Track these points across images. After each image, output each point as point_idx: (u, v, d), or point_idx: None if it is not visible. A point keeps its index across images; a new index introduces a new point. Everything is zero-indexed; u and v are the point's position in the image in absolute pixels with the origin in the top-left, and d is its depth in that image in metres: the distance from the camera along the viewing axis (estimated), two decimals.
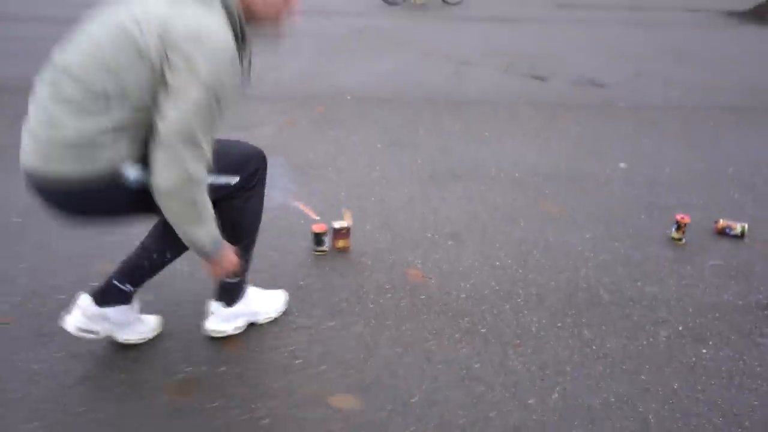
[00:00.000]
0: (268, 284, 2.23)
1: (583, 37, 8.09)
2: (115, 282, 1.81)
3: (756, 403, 1.79)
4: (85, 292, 1.81)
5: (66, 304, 1.99)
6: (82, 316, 1.78)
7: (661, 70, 6.17)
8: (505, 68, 5.90)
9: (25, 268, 2.34)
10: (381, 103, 4.62)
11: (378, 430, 1.64)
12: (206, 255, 1.59)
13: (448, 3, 10.56)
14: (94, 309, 1.79)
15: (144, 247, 1.82)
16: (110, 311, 1.81)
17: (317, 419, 1.67)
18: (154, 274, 1.85)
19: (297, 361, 1.90)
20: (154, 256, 1.81)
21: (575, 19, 9.82)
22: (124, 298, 1.84)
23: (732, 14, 10.58)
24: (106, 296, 1.81)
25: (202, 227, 1.52)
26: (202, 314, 2.02)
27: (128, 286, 1.82)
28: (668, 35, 8.49)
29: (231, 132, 3.50)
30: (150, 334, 1.95)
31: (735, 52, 7.45)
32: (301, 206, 2.78)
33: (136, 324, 1.92)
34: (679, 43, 7.85)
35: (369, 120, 4.24)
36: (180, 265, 2.01)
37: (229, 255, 1.66)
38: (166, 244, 1.78)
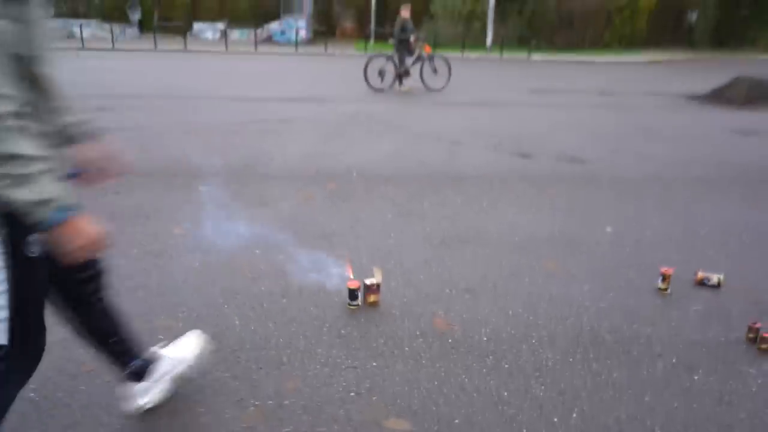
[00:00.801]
0: (312, 335, 2.55)
1: (559, 118, 8.78)
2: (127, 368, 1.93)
3: (743, 416, 2.13)
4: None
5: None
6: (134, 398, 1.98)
7: (634, 147, 6.77)
8: (493, 147, 6.44)
9: None
10: (385, 180, 5.07)
11: None
12: (44, 225, 1.32)
13: (430, 89, 11.31)
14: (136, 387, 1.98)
15: (97, 339, 1.86)
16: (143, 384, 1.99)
17: None
18: (127, 344, 1.92)
19: (350, 394, 2.20)
20: (112, 339, 1.87)
21: (549, 103, 10.60)
22: (141, 371, 1.97)
23: (692, 98, 11.50)
24: (132, 377, 1.96)
25: (23, 186, 1.26)
26: (261, 359, 2.32)
27: (131, 362, 1.93)
28: (637, 117, 9.24)
29: (255, 208, 3.91)
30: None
31: (699, 130, 8.16)
32: (349, 268, 3.11)
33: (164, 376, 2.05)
34: (648, 123, 8.57)
35: (377, 194, 4.66)
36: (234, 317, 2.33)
37: (82, 225, 1.38)
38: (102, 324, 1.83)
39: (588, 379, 2.33)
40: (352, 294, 2.84)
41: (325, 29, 28.28)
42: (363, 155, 5.92)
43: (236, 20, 31.11)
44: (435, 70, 11.41)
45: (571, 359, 2.46)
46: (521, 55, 23.76)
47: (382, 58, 11.38)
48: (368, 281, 2.88)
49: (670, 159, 6.23)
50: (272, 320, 2.71)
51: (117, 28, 25.66)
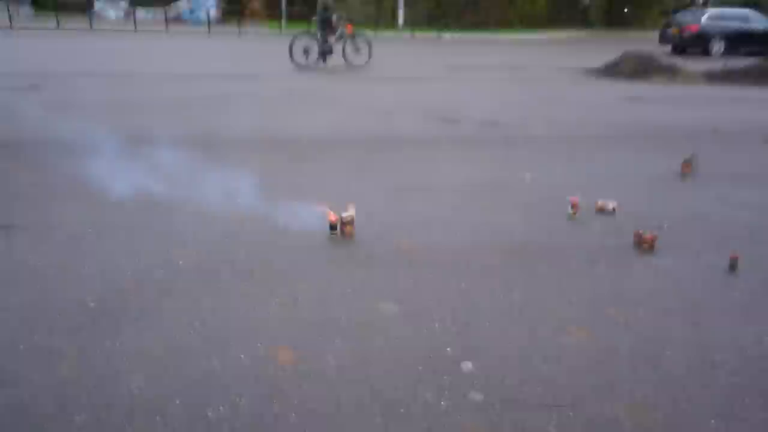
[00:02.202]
0: (308, 257, 3.20)
1: (475, 90, 9.69)
2: None
3: (631, 286, 2.99)
4: None
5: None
6: None
7: (542, 113, 7.74)
8: (422, 116, 7.20)
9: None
10: (334, 144, 5.71)
11: None
12: None
13: (352, 66, 11.92)
14: None
15: None
16: None
17: None
18: None
19: (348, 290, 2.87)
20: None
21: (465, 78, 11.51)
22: None
23: (589, 71, 12.79)
24: None
25: None
26: (271, 273, 2.94)
27: None
28: (543, 88, 10.31)
29: (223, 169, 4.43)
30: None
31: (595, 98, 9.30)
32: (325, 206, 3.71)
33: None
34: (553, 93, 9.64)
35: (330, 156, 5.29)
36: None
37: None
38: None
39: (521, 275, 3.12)
40: (332, 226, 3.50)
41: (236, 9, 28.02)
42: (308, 125, 6.50)
43: None
44: (357, 49, 12.02)
45: (508, 263, 3.25)
46: (432, 34, 24.72)
47: (306, 36, 11.86)
48: (344, 215, 3.54)
49: (573, 122, 7.24)
50: (272, 249, 3.32)
51: (6, 5, 24.28)
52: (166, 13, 24.97)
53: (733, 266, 3.24)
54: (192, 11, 28.78)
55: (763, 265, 3.32)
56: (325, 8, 11.64)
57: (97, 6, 28.39)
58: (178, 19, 27.94)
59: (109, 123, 6.15)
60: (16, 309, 2.62)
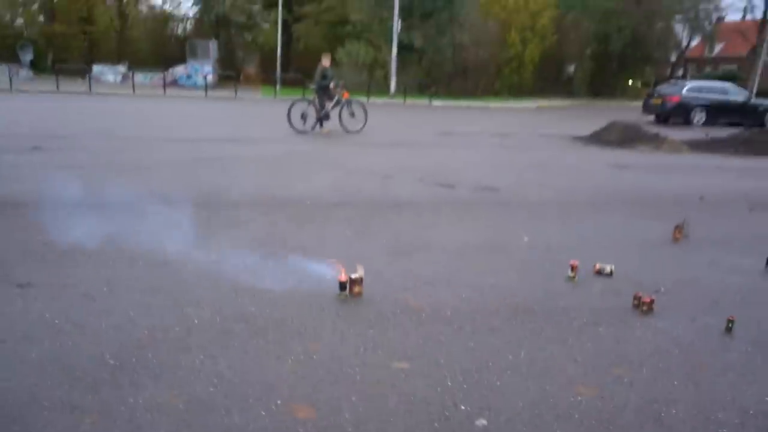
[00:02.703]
0: (318, 315, 3.29)
1: (468, 156, 9.98)
2: None
3: (632, 348, 3.09)
4: None
5: None
6: None
7: (534, 178, 7.99)
8: (419, 180, 7.41)
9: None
10: (335, 206, 5.86)
11: None
12: None
13: (348, 132, 12.24)
14: None
15: None
16: None
17: None
18: None
19: (360, 349, 2.95)
20: None
21: (457, 144, 11.85)
22: None
23: (576, 138, 13.22)
24: None
25: None
26: (284, 331, 3.03)
27: None
28: (533, 154, 10.64)
29: (229, 229, 4.54)
30: None
31: (584, 165, 9.61)
32: (337, 266, 3.80)
33: None
34: (543, 159, 9.95)
35: (332, 217, 5.44)
36: None
37: None
38: None
39: (527, 334, 3.22)
40: (342, 286, 3.60)
41: (231, 74, 28.76)
42: (309, 187, 6.68)
43: (136, 64, 30.96)
44: (352, 114, 12.39)
45: (512, 322, 3.35)
46: (422, 100, 25.47)
47: (304, 102, 12.22)
48: (353, 275, 3.65)
49: (564, 187, 7.48)
50: (283, 307, 3.40)
51: (7, 68, 24.83)
52: (165, 78, 25.60)
53: (729, 328, 3.36)
54: (189, 76, 29.52)
55: (757, 328, 3.44)
56: (324, 76, 12.05)
57: (95, 70, 29.04)
58: (174, 83, 28.63)
59: (113, 184, 6.29)
60: (36, 364, 2.67)
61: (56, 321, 3.10)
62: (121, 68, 31.00)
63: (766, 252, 4.64)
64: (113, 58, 34.65)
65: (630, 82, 36.84)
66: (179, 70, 29.99)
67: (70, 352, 2.79)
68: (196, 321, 3.18)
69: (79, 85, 24.74)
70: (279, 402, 2.47)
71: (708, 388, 2.75)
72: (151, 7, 41.55)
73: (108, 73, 30.29)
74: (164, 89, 24.38)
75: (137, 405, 2.40)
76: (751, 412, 2.57)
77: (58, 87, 22.42)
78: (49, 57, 35.07)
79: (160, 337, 2.98)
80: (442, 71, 29.84)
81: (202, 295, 3.51)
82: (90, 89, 22.92)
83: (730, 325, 3.37)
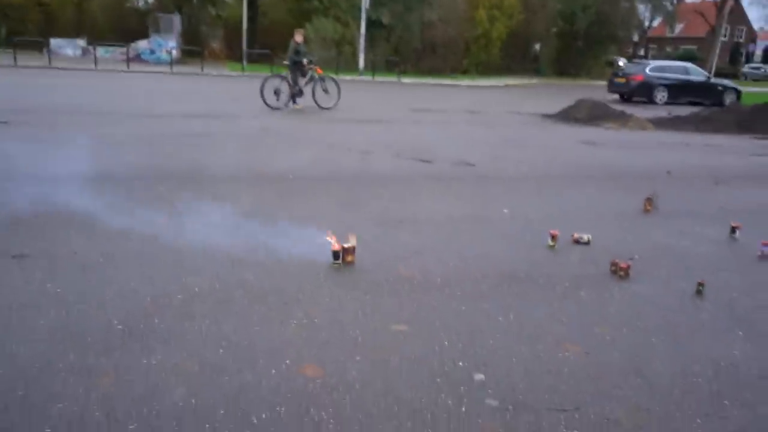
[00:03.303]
0: (314, 282, 3.41)
1: (442, 132, 10.13)
2: None
3: (612, 310, 3.30)
4: None
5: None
6: None
7: (508, 154, 8.19)
8: (396, 155, 7.53)
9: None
10: (319, 181, 5.95)
11: None
12: None
13: (322, 108, 12.25)
14: None
15: None
16: None
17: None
18: None
19: (358, 314, 3.08)
20: None
21: (430, 120, 11.98)
22: None
23: (546, 116, 13.49)
24: None
25: None
26: (283, 297, 3.14)
27: None
28: (505, 131, 10.86)
29: (218, 202, 4.59)
30: None
31: (555, 142, 9.86)
32: (330, 236, 3.90)
33: None
34: (515, 136, 10.17)
35: (317, 191, 5.53)
36: None
37: None
38: None
39: (514, 298, 3.40)
40: (336, 255, 3.72)
41: (196, 49, 28.22)
42: (290, 162, 6.73)
43: (95, 38, 30.04)
44: (326, 90, 12.39)
45: (500, 288, 3.53)
46: (392, 78, 25.47)
47: (277, 78, 12.15)
48: (346, 244, 3.77)
49: (538, 163, 7.70)
50: (279, 275, 3.51)
51: None
52: (128, 52, 24.96)
53: (699, 291, 3.60)
54: (152, 51, 28.81)
55: (724, 290, 3.70)
56: (297, 51, 11.99)
57: (53, 43, 28.09)
58: (137, 58, 27.93)
59: (92, 159, 6.23)
60: (46, 332, 2.73)
61: (58, 290, 3.15)
62: (81, 42, 30.04)
63: (730, 222, 4.91)
64: (71, 32, 33.48)
65: (621, 61, 36.97)
66: (142, 45, 29.23)
67: (77, 320, 2.85)
68: (196, 289, 3.26)
69: (37, 59, 23.96)
70: (287, 362, 2.60)
71: (683, 344, 2.98)
72: None
73: (67, 47, 29.34)
74: (128, 64, 23.80)
75: (151, 367, 2.50)
76: (722, 364, 2.80)
77: (15, 61, 21.69)
78: (2, 30, 33.74)
79: (164, 304, 3.06)
80: (411, 48, 29.85)
81: (200, 266, 3.58)
82: (49, 63, 22.25)
83: (700, 288, 3.61)
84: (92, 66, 22.56)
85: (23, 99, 11.73)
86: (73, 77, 18.24)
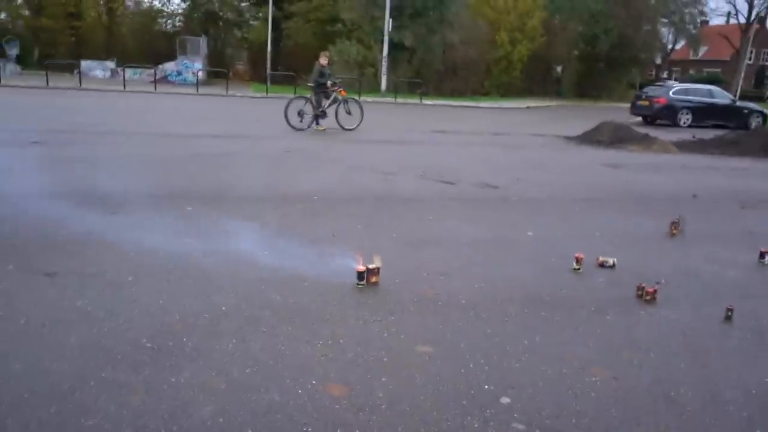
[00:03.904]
0: (339, 303, 3.43)
1: (465, 154, 10.16)
2: None
3: (639, 335, 3.27)
4: None
5: None
6: None
7: (532, 176, 8.18)
8: (420, 177, 7.56)
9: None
10: (343, 201, 6.00)
11: None
12: None
13: (345, 129, 12.37)
14: None
15: None
16: None
17: None
18: None
19: (384, 335, 3.10)
20: None
21: (452, 142, 12.02)
22: None
23: (569, 138, 13.45)
24: None
25: None
26: (310, 319, 3.17)
27: None
28: (528, 153, 10.85)
29: (244, 222, 4.65)
30: None
31: (579, 164, 9.83)
32: (357, 256, 3.93)
33: None
34: (539, 158, 10.15)
35: (341, 212, 5.57)
36: None
37: None
38: None
39: (540, 321, 3.39)
40: (360, 276, 3.74)
41: (221, 70, 28.76)
42: (314, 183, 6.80)
43: (124, 60, 30.76)
44: (349, 112, 12.51)
45: (525, 311, 3.52)
46: (414, 99, 25.65)
47: (301, 99, 12.31)
48: (371, 266, 3.79)
49: (561, 185, 7.68)
50: (305, 295, 3.54)
51: None
52: (156, 74, 25.51)
53: (728, 316, 3.55)
54: (179, 73, 29.42)
55: (754, 316, 3.64)
56: (321, 74, 12.15)
57: (83, 65, 28.84)
58: (164, 79, 28.52)
59: (120, 179, 6.38)
60: (78, 348, 2.79)
61: (89, 308, 3.21)
62: (110, 64, 30.80)
63: (758, 246, 4.84)
64: (101, 54, 34.39)
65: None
66: (169, 67, 29.85)
67: (107, 337, 2.90)
68: (223, 308, 3.30)
69: (67, 80, 24.57)
70: (314, 381, 2.62)
71: (713, 370, 2.93)
72: (139, 3, 41.21)
73: (96, 69, 30.08)
74: (155, 85, 24.31)
75: (180, 384, 2.53)
76: (753, 391, 2.76)
77: (47, 82, 22.27)
78: (35, 52, 34.75)
79: (192, 323, 3.10)
80: (433, 70, 30.00)
81: (226, 285, 3.63)
82: (80, 84, 22.81)
83: (729, 313, 3.56)
84: (121, 87, 23.08)
85: (54, 119, 12.03)
86: (102, 98, 18.67)
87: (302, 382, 2.61)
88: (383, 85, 27.24)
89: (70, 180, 6.18)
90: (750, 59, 44.98)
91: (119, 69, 27.15)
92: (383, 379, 2.67)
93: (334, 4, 31.84)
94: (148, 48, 36.76)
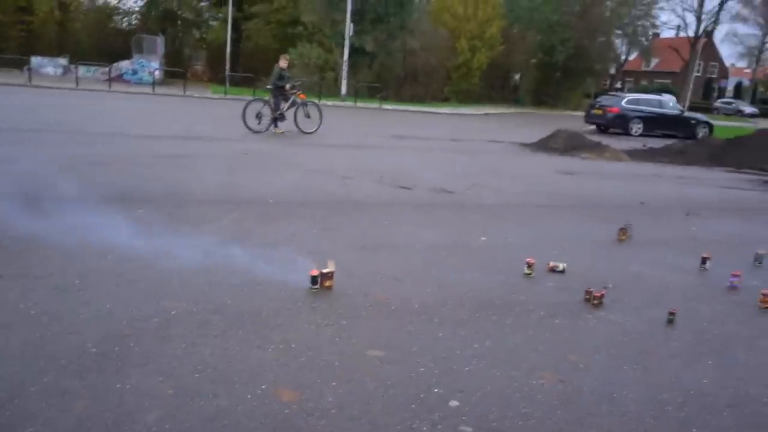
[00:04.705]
0: (292, 308, 3.42)
1: (422, 159, 10.24)
2: None
3: (586, 338, 3.36)
4: None
5: None
6: None
7: (487, 182, 8.30)
8: (377, 181, 7.59)
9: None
10: (299, 205, 5.97)
11: None
12: None
13: (303, 132, 12.32)
14: None
15: None
16: None
17: None
18: None
19: (336, 339, 3.10)
20: None
21: (410, 147, 12.11)
22: None
23: (525, 145, 13.70)
24: None
25: None
26: (259, 323, 3.15)
27: None
28: (485, 159, 11.01)
29: (199, 225, 4.59)
30: None
31: (533, 171, 10.03)
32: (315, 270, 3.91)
33: None
34: (495, 164, 10.32)
35: (297, 215, 5.55)
36: None
37: None
38: None
39: (490, 325, 3.44)
40: (314, 280, 3.73)
41: (178, 70, 28.27)
42: (270, 186, 6.76)
43: (77, 57, 29.92)
44: (308, 115, 12.46)
45: (477, 315, 3.57)
46: (374, 104, 25.71)
47: (259, 102, 12.22)
48: (325, 270, 3.79)
49: (516, 191, 7.82)
50: (257, 299, 3.51)
51: None
52: (110, 72, 24.90)
53: (671, 320, 3.68)
54: (135, 72, 28.77)
55: (695, 319, 3.78)
56: (280, 77, 12.09)
57: (33, 62, 27.93)
58: (119, 78, 27.86)
59: (71, 180, 6.19)
60: (18, 353, 2.71)
61: (32, 312, 3.12)
62: (62, 61, 29.90)
63: (701, 252, 5.03)
64: (53, 51, 33.33)
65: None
66: (125, 65, 29.16)
67: (51, 342, 2.83)
68: (173, 312, 3.25)
69: (16, 77, 23.78)
70: (264, 387, 2.60)
71: (654, 372, 3.04)
72: None
73: (48, 66, 29.17)
74: (109, 84, 23.73)
75: (125, 390, 2.48)
76: (691, 392, 2.86)
77: None
78: None
79: (141, 327, 3.04)
80: (393, 75, 30.16)
81: (176, 289, 3.58)
82: (30, 81, 22.10)
83: (671, 317, 3.68)
84: (73, 85, 22.44)
85: (1, 118, 11.62)
86: (53, 96, 18.13)
87: (252, 387, 2.59)
88: (343, 90, 27.25)
89: (13, 181, 5.98)
90: (698, 71, 46.72)
91: (72, 66, 26.41)
92: (333, 384, 2.67)
93: (294, 6, 31.68)
94: (102, 45, 35.79)
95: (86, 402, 2.38)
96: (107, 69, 25.51)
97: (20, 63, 26.10)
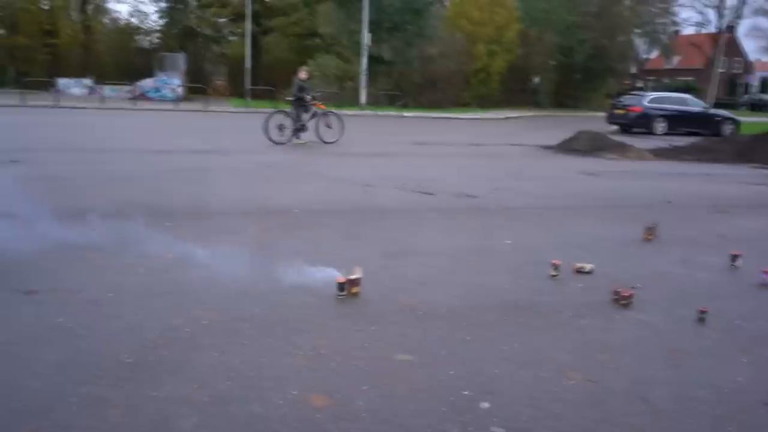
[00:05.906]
0: (320, 315, 3.46)
1: (445, 165, 10.26)
2: None
3: (614, 338, 3.34)
4: None
5: None
6: None
7: (510, 185, 8.28)
8: (400, 188, 7.62)
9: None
10: (322, 214, 6.03)
11: None
12: None
13: (325, 142, 12.43)
14: None
15: None
16: None
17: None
18: None
19: (365, 344, 3.13)
20: None
21: (432, 153, 12.14)
22: None
23: (546, 148, 13.64)
24: None
25: None
26: (292, 329, 3.19)
27: None
28: (506, 163, 10.98)
29: (226, 236, 4.66)
30: None
31: (556, 173, 9.97)
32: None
33: None
34: (517, 168, 10.29)
35: (321, 224, 5.60)
36: None
37: None
38: None
39: (518, 327, 3.44)
40: (341, 286, 3.77)
41: (200, 86, 28.74)
42: (293, 196, 6.83)
43: (102, 77, 30.59)
44: (329, 125, 12.58)
45: (504, 317, 3.57)
46: (393, 112, 25.81)
47: (281, 114, 12.37)
48: (352, 276, 3.82)
49: (539, 194, 7.79)
50: (285, 308, 3.56)
51: None
52: (134, 91, 25.40)
53: (701, 318, 3.64)
54: (157, 89, 29.31)
55: (726, 318, 3.73)
56: (300, 88, 12.23)
57: (60, 83, 28.63)
58: (143, 96, 28.40)
59: (101, 195, 6.35)
60: (57, 364, 2.78)
61: (69, 325, 3.20)
62: (87, 81, 30.58)
63: (729, 250, 4.96)
64: (78, 72, 34.12)
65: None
66: (147, 83, 29.71)
67: (86, 354, 2.90)
68: (204, 322, 3.31)
69: (44, 98, 24.36)
70: (294, 392, 2.64)
71: (686, 371, 3.01)
72: (116, 20, 41.06)
73: (73, 87, 29.85)
74: (134, 102, 24.19)
75: (160, 398, 2.54)
76: (725, 390, 2.83)
77: (24, 101, 22.05)
78: (10, 70, 34.38)
79: (172, 338, 3.10)
80: (412, 83, 30.24)
81: (206, 298, 3.64)
82: (57, 102, 22.63)
83: (701, 315, 3.64)
84: (99, 104, 22.93)
85: (32, 138, 11.93)
86: (80, 116, 18.55)
87: (283, 392, 2.63)
88: (363, 98, 27.40)
89: (47, 198, 6.12)
90: (722, 67, 45.97)
91: (97, 86, 26.99)
92: (364, 388, 2.69)
93: (312, 18, 32.02)
94: (125, 65, 36.59)
95: (122, 410, 2.44)
96: (132, 87, 26.01)
97: (47, 85, 26.74)
